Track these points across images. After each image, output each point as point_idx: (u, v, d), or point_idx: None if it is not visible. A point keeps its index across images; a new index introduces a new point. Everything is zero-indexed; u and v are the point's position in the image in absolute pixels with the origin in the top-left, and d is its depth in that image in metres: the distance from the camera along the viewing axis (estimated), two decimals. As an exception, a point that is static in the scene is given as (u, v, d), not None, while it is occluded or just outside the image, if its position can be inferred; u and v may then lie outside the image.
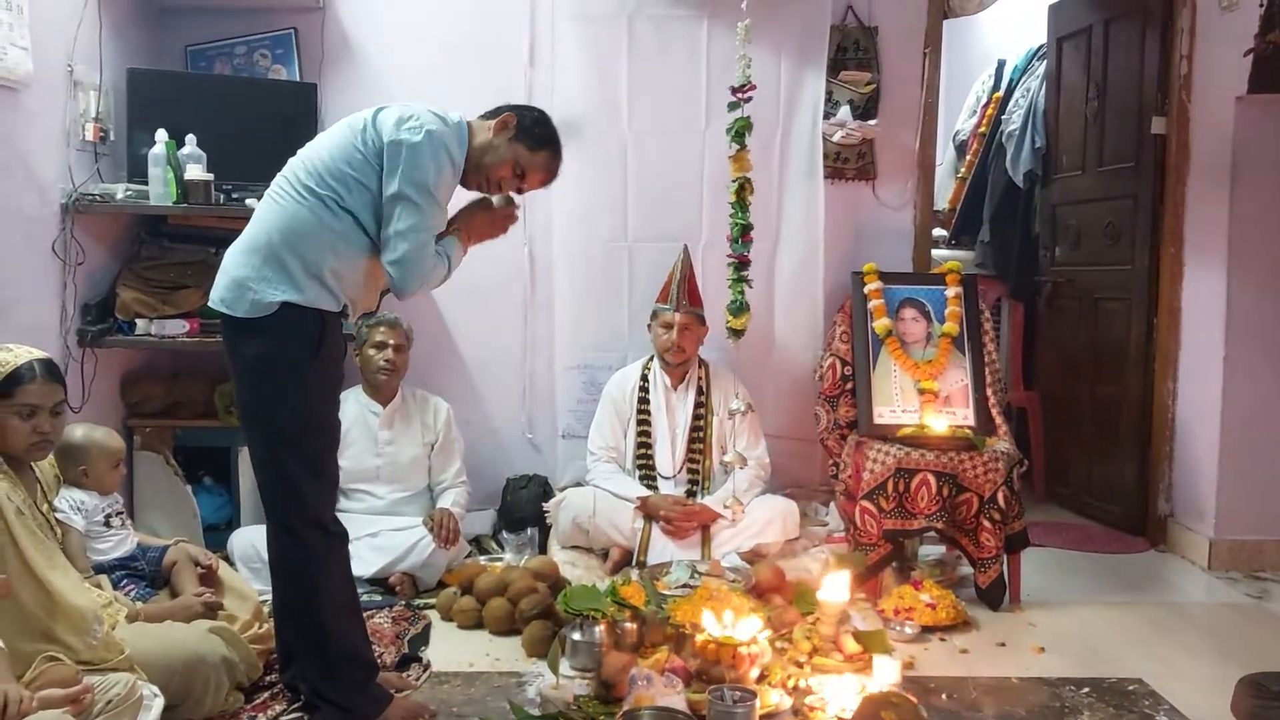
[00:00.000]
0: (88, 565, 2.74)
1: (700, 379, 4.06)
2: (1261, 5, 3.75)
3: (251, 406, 2.58)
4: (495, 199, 2.82)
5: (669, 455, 4.00)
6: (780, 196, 4.36)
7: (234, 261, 2.55)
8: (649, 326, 4.08)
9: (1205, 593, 3.93)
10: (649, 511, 3.84)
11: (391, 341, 3.84)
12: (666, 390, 4.04)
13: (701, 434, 4.01)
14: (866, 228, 4.49)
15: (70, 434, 2.74)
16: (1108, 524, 4.64)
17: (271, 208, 2.57)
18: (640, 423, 4.04)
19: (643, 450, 4.02)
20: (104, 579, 2.75)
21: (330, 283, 2.54)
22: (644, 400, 4.05)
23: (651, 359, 4.09)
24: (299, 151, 2.65)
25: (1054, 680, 3.04)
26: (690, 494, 3.95)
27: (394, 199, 2.54)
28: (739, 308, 3.85)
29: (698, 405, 4.02)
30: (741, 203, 3.80)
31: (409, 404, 3.93)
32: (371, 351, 3.84)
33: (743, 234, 3.81)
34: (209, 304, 2.61)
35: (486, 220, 2.83)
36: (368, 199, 2.56)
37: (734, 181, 3.80)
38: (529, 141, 2.71)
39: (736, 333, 3.89)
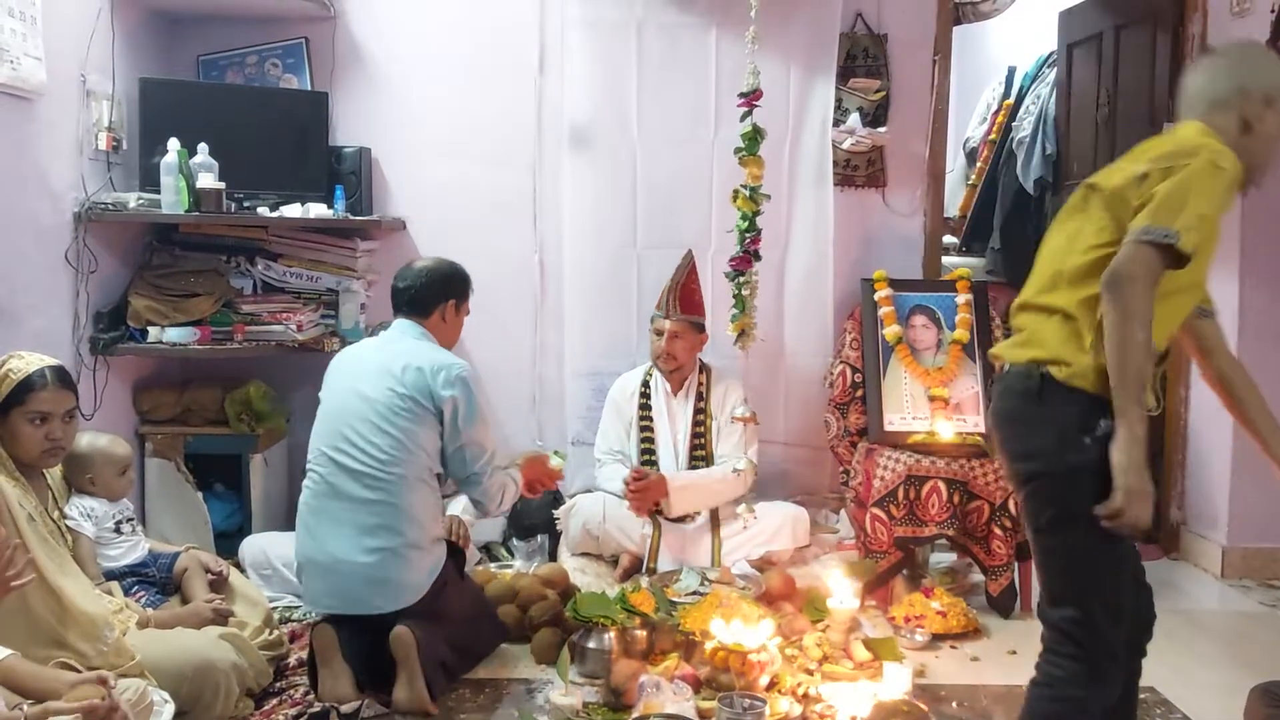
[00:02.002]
0: (98, 572, 2.75)
1: (700, 385, 4.02)
2: (1273, 10, 3.75)
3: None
4: (553, 460, 3.36)
5: (672, 462, 3.98)
6: (790, 204, 4.35)
7: (373, 561, 2.79)
8: (650, 330, 4.06)
9: (1218, 601, 3.92)
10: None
11: None
12: (667, 396, 4.01)
13: (703, 440, 3.99)
14: (876, 235, 4.48)
15: (75, 443, 2.75)
16: (1120, 531, 4.61)
17: (377, 506, 2.82)
18: (643, 428, 4.01)
19: (646, 457, 3.99)
20: (115, 585, 2.76)
21: (440, 533, 3.01)
22: (645, 406, 4.02)
23: (653, 365, 4.08)
24: (342, 434, 2.87)
25: (1066, 688, 3.02)
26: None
27: (464, 446, 2.95)
28: (736, 313, 3.84)
29: (698, 412, 4.00)
30: (743, 208, 3.79)
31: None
32: None
33: (746, 239, 3.80)
34: (337, 610, 2.86)
35: (544, 471, 3.34)
36: (434, 448, 2.93)
37: (743, 188, 3.80)
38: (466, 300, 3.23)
39: (740, 338, 3.87)
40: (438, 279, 3.10)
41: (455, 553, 3.08)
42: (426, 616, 2.87)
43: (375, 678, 2.84)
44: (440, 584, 2.91)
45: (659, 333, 3.93)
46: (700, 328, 3.97)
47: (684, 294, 3.93)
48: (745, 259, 3.82)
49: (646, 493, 3.76)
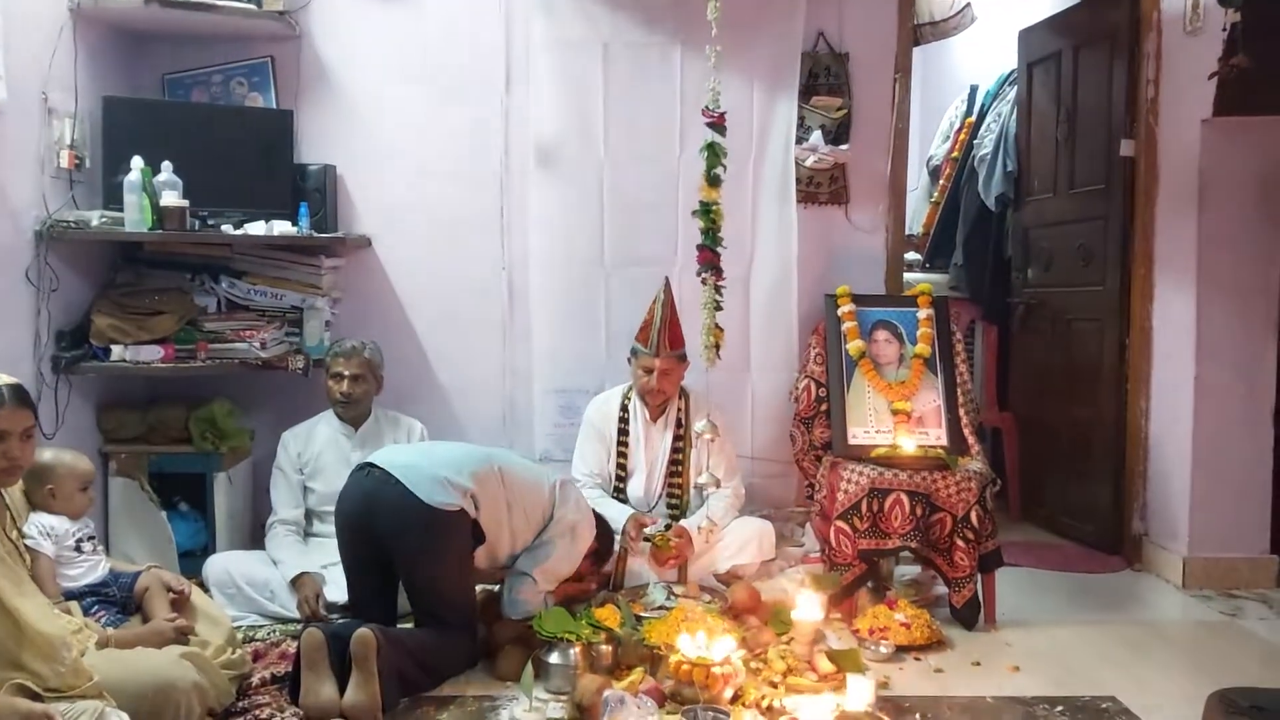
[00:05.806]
0: (58, 591, 2.72)
1: (680, 410, 3.99)
2: (1224, 29, 3.82)
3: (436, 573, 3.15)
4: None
5: (643, 486, 3.96)
6: (754, 220, 4.39)
7: (449, 468, 3.15)
8: (629, 360, 4.02)
9: (1180, 611, 3.96)
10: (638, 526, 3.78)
11: (347, 373, 3.79)
12: (646, 423, 3.97)
13: (680, 467, 3.97)
14: (839, 251, 4.53)
15: (39, 455, 2.73)
16: (1083, 543, 4.66)
17: (470, 451, 3.40)
18: (619, 453, 3.99)
19: (618, 483, 3.98)
20: (74, 605, 2.73)
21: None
22: (624, 430, 3.98)
23: (631, 389, 4.02)
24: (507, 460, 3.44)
25: (1028, 699, 3.05)
26: (668, 526, 3.89)
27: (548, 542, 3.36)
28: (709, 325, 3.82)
29: (676, 438, 3.97)
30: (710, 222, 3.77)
31: (381, 424, 3.91)
32: (330, 383, 3.83)
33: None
34: (390, 470, 3.10)
35: (576, 588, 3.55)
36: (537, 513, 3.39)
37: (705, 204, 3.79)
38: None
39: (705, 352, 3.85)
40: None
41: (479, 539, 3.22)
42: (395, 622, 2.98)
43: None
44: (448, 527, 3.07)
45: (648, 370, 3.88)
46: (684, 358, 3.95)
47: (672, 331, 3.89)
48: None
49: (680, 556, 3.75)
